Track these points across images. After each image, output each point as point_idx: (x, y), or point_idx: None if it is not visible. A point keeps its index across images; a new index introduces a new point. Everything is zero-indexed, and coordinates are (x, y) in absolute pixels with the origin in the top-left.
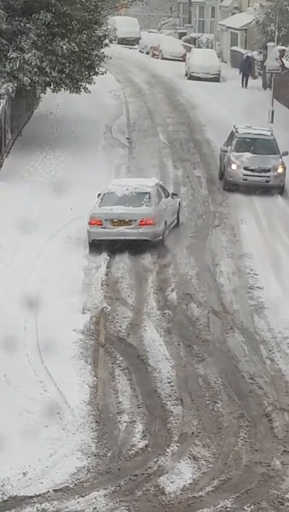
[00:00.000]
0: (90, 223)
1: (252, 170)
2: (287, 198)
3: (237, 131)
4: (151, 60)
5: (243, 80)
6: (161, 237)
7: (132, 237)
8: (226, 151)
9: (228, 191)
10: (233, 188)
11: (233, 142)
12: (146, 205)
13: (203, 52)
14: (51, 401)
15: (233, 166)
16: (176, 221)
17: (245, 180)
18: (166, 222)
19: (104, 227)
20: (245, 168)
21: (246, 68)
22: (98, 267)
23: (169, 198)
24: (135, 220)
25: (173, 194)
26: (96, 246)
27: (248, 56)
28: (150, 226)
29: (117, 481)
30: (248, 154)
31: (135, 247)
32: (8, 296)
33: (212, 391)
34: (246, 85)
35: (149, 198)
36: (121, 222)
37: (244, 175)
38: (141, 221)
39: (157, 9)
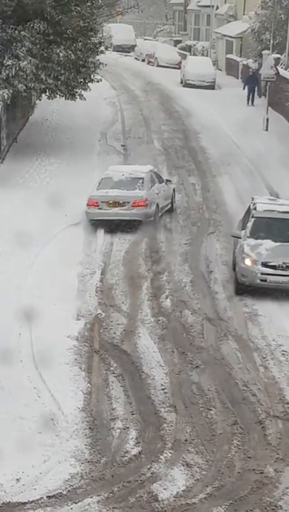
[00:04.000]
0: (87, 204)
1: (273, 267)
2: None
3: (255, 208)
4: (147, 67)
5: (249, 98)
6: (152, 218)
7: (125, 218)
8: (239, 237)
9: (241, 295)
10: (247, 292)
11: (249, 224)
12: (139, 189)
13: (199, 59)
14: (45, 407)
15: (247, 261)
16: (169, 205)
17: (264, 280)
18: (158, 205)
19: (101, 208)
20: (265, 264)
21: (253, 84)
22: (92, 273)
23: (163, 183)
24: (128, 202)
25: (167, 180)
26: (94, 227)
27: (254, 71)
28: (142, 208)
29: (111, 488)
30: (268, 243)
31: (129, 228)
32: (2, 303)
33: (206, 398)
34: (252, 103)
35: (142, 182)
36: (116, 203)
37: (262, 274)
38: (134, 203)
39: (153, 17)
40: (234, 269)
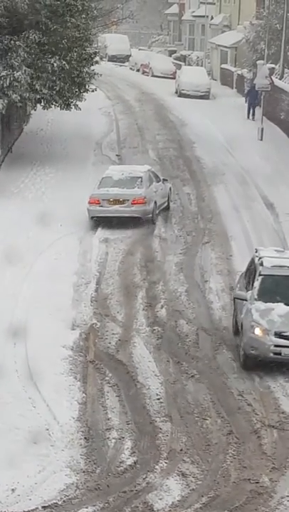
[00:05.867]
0: (89, 202)
1: None
2: None
3: (262, 264)
4: (142, 77)
5: (249, 112)
6: (150, 215)
7: (125, 215)
8: (245, 299)
9: (249, 370)
10: (258, 367)
11: (256, 284)
12: (138, 188)
13: (193, 69)
14: (40, 417)
15: (257, 331)
16: (166, 203)
17: (279, 354)
18: (156, 203)
19: (102, 206)
20: (279, 334)
21: (254, 98)
22: (88, 283)
23: (160, 182)
24: (128, 200)
25: (164, 179)
26: (94, 223)
27: (255, 84)
28: (141, 205)
29: (106, 498)
30: (281, 307)
31: (128, 225)
32: None
33: (201, 408)
34: (253, 117)
35: (141, 181)
36: (116, 201)
37: (276, 346)
38: (133, 200)
39: (148, 27)
40: (235, 333)
